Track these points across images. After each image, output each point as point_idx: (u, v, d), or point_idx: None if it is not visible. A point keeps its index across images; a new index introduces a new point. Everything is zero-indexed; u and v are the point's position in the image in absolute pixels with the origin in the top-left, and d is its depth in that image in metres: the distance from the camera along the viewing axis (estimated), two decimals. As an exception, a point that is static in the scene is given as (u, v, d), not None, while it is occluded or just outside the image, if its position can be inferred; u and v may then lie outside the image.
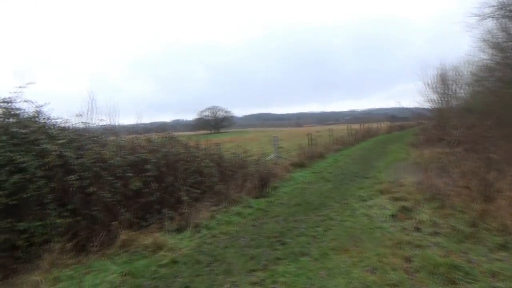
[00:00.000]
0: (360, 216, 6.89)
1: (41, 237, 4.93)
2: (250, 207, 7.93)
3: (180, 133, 12.84)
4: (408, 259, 4.65)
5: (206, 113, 68.12)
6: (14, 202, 4.78)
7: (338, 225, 6.37)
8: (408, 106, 29.79)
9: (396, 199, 7.77)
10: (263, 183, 9.40)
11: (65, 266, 4.74)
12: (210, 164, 8.74)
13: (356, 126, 31.64)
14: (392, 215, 6.67)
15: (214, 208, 7.58)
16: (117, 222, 5.66)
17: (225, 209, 7.56)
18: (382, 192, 8.60)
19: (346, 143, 22.64)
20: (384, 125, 43.19)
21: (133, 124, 10.48)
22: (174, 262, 4.93)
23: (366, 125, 34.82)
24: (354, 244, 5.31)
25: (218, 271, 4.57)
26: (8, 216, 4.77)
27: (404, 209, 6.90)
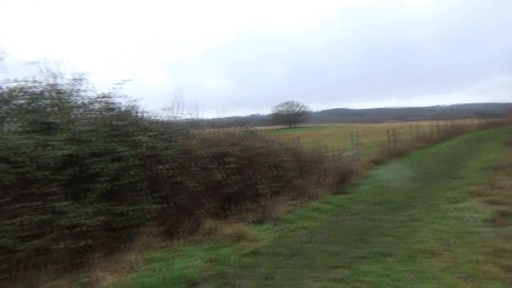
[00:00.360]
0: (449, 218, 6.39)
1: (134, 220, 5.36)
2: (329, 203, 7.81)
3: (256, 128, 13.06)
4: (509, 269, 4.19)
5: (282, 108, 68.47)
6: (114, 188, 5.26)
7: (425, 226, 5.98)
8: (501, 101, 26.86)
9: (492, 202, 7.07)
10: (342, 180, 9.20)
11: (155, 248, 5.11)
12: (288, 159, 8.77)
13: (441, 123, 29.40)
14: (488, 220, 6.08)
15: (292, 202, 7.60)
16: (202, 210, 5.95)
17: (303, 204, 7.55)
18: (474, 194, 7.88)
19: (431, 141, 21.17)
20: (473, 121, 39.50)
21: (213, 118, 10.95)
22: (255, 252, 5.04)
23: (453, 121, 32.17)
24: (444, 248, 4.94)
25: (298, 264, 4.57)
26: (108, 200, 5.26)
27: (503, 214, 6.24)
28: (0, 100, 6.05)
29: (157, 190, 5.82)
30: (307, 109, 72.55)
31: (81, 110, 6.63)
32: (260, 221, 6.39)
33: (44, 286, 3.90)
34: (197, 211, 5.99)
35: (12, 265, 3.98)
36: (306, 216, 6.80)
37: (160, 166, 5.92)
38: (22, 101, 6.17)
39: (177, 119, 8.08)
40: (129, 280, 4.17)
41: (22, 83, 6.25)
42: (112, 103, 6.78)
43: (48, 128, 5.74)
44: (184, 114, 8.22)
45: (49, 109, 6.26)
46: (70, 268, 4.36)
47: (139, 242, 5.05)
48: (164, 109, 7.74)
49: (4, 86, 6.10)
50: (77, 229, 4.59)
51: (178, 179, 6.01)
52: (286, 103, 68.91)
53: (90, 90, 6.90)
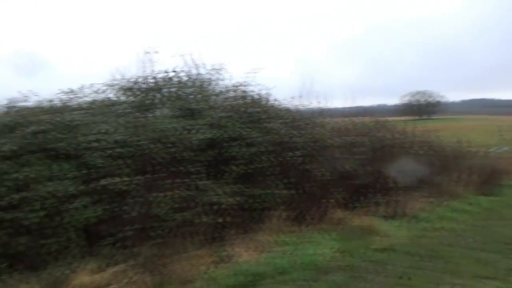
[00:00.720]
0: None
1: (265, 203, 5.57)
2: (473, 204, 6.93)
3: (385, 118, 12.26)
4: None
5: (413, 97, 63.00)
6: (248, 171, 5.54)
7: None
8: None
9: None
10: (490, 179, 8.03)
11: (284, 232, 5.24)
12: (423, 152, 8.04)
13: None
14: None
15: (428, 199, 6.97)
16: (331, 200, 5.88)
17: (441, 203, 6.85)
18: None
19: None
20: None
21: (340, 108, 10.70)
22: (388, 249, 4.75)
23: None
24: None
25: (439, 268, 4.16)
26: (242, 182, 5.57)
27: None
28: (155, 88, 6.93)
29: (286, 176, 5.93)
30: (444, 99, 65.08)
31: (218, 98, 7.15)
32: (391, 217, 6.01)
33: (190, 254, 4.34)
34: (325, 200, 5.93)
35: (165, 232, 4.54)
36: (445, 217, 6.14)
37: (290, 153, 6.01)
38: (172, 90, 6.94)
39: (306, 107, 8.12)
40: (262, 259, 4.36)
41: (171, 74, 7.04)
42: (245, 91, 7.16)
43: (191, 113, 6.33)
44: (312, 103, 8.21)
45: (191, 97, 6.91)
46: (210, 241, 4.76)
47: (270, 225, 5.24)
48: (293, 98, 7.86)
49: (158, 76, 6.97)
50: (216, 207, 4.99)
51: (307, 166, 6.03)
52: (418, 93, 63.09)
53: (226, 79, 7.45)
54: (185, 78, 7.17)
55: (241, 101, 6.90)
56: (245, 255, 4.46)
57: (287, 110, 7.44)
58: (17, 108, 5.66)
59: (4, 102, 5.81)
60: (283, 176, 5.88)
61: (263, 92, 7.26)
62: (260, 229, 5.20)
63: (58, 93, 6.18)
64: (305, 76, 8.20)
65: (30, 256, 4.04)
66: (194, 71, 7.31)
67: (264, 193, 5.51)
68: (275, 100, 7.43)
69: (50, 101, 5.98)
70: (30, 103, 5.84)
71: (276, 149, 6.02)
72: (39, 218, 4.13)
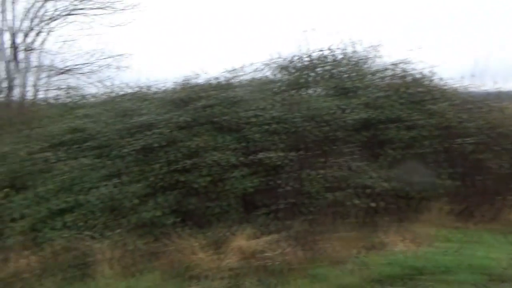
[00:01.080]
0: None
1: (425, 193, 5.04)
2: None
3: None
4: None
5: None
6: (406, 156, 5.09)
7: None
8: None
9: None
10: None
11: (446, 227, 4.68)
12: None
13: None
14: None
15: None
16: (509, 197, 4.98)
17: None
18: None
19: None
20: None
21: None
22: None
23: None
24: None
25: None
26: (398, 167, 5.15)
27: None
28: (310, 67, 6.92)
29: (452, 165, 5.25)
30: None
31: (375, 77, 6.74)
32: None
33: (340, 234, 4.24)
34: (501, 197, 5.05)
35: (316, 210, 4.54)
36: None
37: (459, 140, 5.28)
38: (326, 68, 6.83)
39: (478, 89, 7.01)
40: (421, 252, 3.97)
41: (326, 52, 6.92)
42: (406, 70, 6.59)
43: (345, 92, 6.12)
44: (487, 84, 7.04)
45: (346, 76, 6.66)
46: (361, 225, 4.55)
47: (429, 216, 4.74)
48: (463, 78, 6.86)
49: (313, 55, 6.93)
50: (369, 190, 4.74)
51: (479, 156, 5.22)
52: None
53: (384, 56, 6.95)
54: (340, 56, 6.97)
55: (400, 81, 6.37)
56: (400, 245, 4.13)
57: (456, 92, 6.55)
58: (190, 85, 6.40)
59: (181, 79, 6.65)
60: (448, 165, 5.24)
61: (426, 71, 6.56)
62: (417, 219, 4.75)
63: (223, 71, 6.75)
64: (479, 53, 7.01)
65: (197, 215, 4.56)
66: (349, 49, 7.04)
67: (423, 181, 5.00)
68: (441, 79, 6.62)
69: (217, 78, 6.57)
70: (201, 80, 6.52)
71: (441, 134, 5.39)
72: (206, 182, 4.62)
